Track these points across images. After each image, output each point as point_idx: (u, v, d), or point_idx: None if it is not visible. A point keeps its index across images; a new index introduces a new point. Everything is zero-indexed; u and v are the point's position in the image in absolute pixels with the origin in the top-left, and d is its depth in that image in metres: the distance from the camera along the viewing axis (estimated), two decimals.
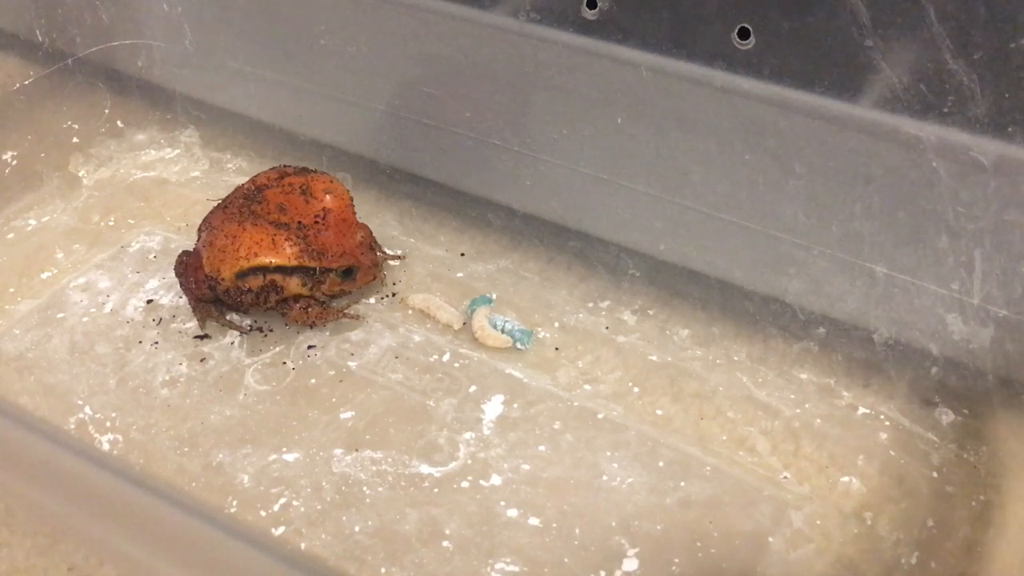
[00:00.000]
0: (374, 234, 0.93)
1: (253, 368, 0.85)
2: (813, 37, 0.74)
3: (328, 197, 0.87)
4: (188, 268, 0.88)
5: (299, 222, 0.85)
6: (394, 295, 0.92)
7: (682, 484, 0.76)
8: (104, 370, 0.85)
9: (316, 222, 0.85)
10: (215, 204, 0.90)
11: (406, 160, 1.01)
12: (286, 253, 0.83)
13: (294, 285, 0.85)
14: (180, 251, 0.91)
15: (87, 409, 0.82)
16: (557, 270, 0.94)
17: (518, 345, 0.86)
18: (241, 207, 0.87)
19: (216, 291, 0.86)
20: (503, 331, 0.87)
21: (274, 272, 0.84)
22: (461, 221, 0.99)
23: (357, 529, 0.73)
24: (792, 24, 0.74)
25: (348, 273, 0.86)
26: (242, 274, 0.84)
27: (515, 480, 0.76)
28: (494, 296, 0.91)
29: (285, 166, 0.92)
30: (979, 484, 0.75)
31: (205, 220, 0.89)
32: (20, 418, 0.76)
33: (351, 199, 0.88)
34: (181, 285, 0.89)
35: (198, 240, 0.89)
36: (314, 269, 0.84)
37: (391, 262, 0.95)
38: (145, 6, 1.06)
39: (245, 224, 0.85)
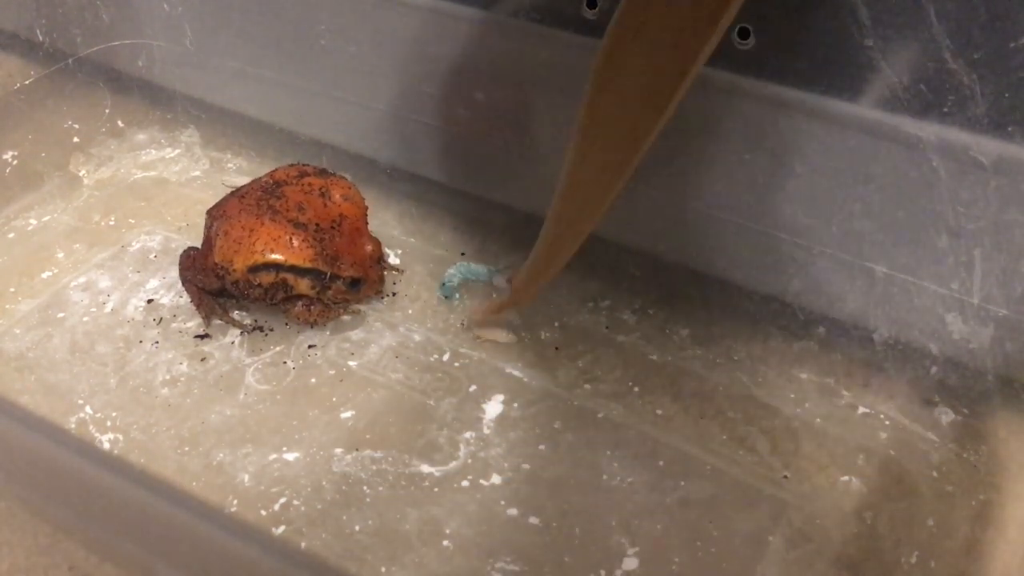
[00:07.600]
0: (375, 234, 0.93)
1: (253, 367, 0.85)
2: (813, 37, 0.74)
3: (346, 204, 0.87)
4: (194, 259, 0.88)
5: (317, 224, 0.85)
6: (394, 295, 0.92)
7: (682, 483, 0.76)
8: (105, 369, 0.85)
9: (332, 227, 0.85)
10: (229, 191, 0.89)
11: (406, 160, 1.01)
12: (303, 254, 0.83)
13: (304, 286, 0.85)
14: (184, 248, 0.91)
15: (88, 408, 0.82)
16: None
17: (439, 293, 0.88)
18: (259, 200, 0.86)
19: (224, 281, 0.85)
20: (447, 282, 0.89)
21: (287, 271, 0.84)
22: (461, 221, 0.99)
23: (357, 528, 0.73)
24: (792, 24, 0.74)
25: (355, 284, 0.85)
26: (255, 268, 0.83)
27: (515, 479, 0.76)
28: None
29: (304, 165, 0.92)
30: (979, 484, 0.75)
31: (218, 206, 0.88)
32: (21, 418, 0.76)
33: (366, 209, 0.88)
34: (182, 279, 0.89)
35: (208, 227, 0.88)
36: (325, 274, 0.84)
37: (393, 271, 0.94)
38: (145, 6, 1.06)
39: (263, 218, 0.84)
